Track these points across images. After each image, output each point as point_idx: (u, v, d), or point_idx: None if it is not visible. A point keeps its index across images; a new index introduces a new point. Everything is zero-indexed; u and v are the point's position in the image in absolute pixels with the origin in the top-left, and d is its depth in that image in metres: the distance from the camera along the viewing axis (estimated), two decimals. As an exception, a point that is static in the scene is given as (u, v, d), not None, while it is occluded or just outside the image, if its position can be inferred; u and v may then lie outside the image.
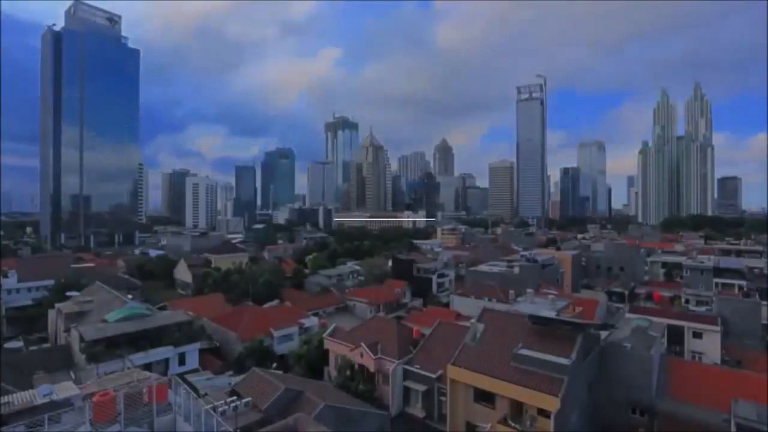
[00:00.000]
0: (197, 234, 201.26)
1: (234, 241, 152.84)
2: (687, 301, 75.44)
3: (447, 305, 70.55)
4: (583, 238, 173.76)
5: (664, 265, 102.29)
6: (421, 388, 37.57)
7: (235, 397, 26.13)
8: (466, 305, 63.13)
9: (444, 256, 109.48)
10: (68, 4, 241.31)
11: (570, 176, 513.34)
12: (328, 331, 46.82)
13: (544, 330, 33.76)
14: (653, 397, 32.07)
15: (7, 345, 48.59)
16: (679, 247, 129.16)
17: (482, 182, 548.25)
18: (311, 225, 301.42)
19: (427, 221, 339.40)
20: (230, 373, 40.46)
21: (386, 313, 66.30)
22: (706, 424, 28.58)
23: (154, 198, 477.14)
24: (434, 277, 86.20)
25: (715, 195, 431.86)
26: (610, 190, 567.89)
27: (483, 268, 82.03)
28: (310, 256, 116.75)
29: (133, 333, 40.31)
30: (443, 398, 35.35)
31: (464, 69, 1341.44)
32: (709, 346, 48.70)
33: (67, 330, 44.17)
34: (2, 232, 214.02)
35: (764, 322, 56.92)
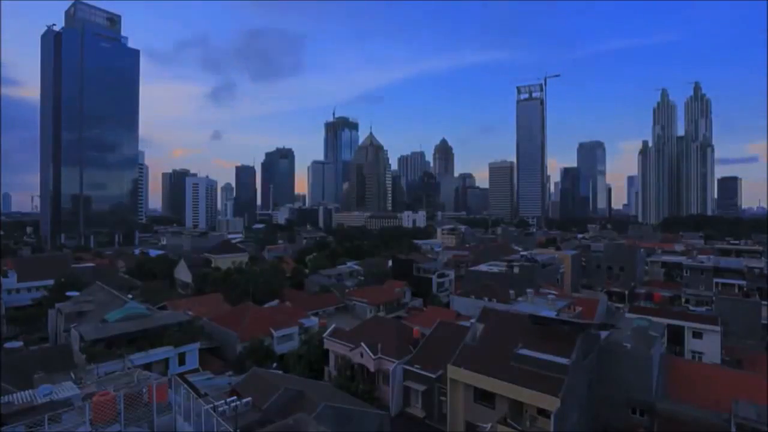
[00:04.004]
0: (197, 234, 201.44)
1: (234, 241, 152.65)
2: (687, 301, 75.71)
3: (447, 305, 70.59)
4: (583, 238, 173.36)
5: (664, 265, 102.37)
6: (421, 388, 37.53)
7: (235, 397, 26.07)
8: (466, 305, 63.08)
9: (444, 256, 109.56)
10: (68, 4, 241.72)
11: (570, 176, 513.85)
12: (328, 331, 46.76)
13: (544, 330, 33.77)
14: (653, 397, 32.04)
15: (7, 345, 48.52)
16: (679, 247, 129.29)
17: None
18: (311, 225, 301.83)
19: (427, 221, 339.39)
20: (230, 373, 40.45)
21: (386, 313, 66.29)
22: (706, 424, 28.53)
23: (154, 198, 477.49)
24: (434, 277, 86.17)
25: (715, 195, 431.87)
26: (610, 190, 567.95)
27: (483, 268, 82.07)
28: (310, 256, 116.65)
29: (133, 333, 40.36)
30: (443, 398, 35.35)
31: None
32: (709, 346, 48.81)
33: (67, 330, 44.24)
34: (2, 232, 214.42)
35: (764, 322, 57.04)
